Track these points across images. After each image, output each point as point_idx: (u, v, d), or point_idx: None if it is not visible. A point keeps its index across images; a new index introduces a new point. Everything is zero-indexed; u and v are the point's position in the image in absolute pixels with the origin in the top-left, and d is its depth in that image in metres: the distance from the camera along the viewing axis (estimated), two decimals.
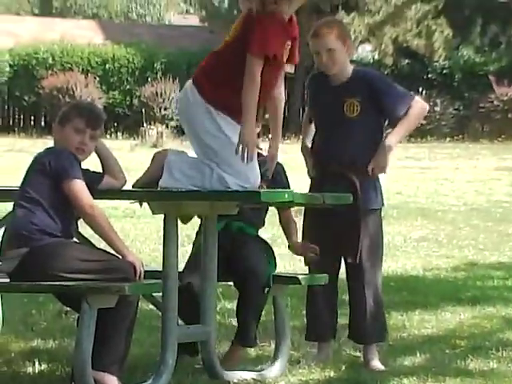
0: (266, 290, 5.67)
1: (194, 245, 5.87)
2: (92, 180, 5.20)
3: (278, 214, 5.90)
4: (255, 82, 5.05)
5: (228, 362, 5.57)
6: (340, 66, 5.81)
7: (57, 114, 5.39)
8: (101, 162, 5.34)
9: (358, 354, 6.06)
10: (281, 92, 5.43)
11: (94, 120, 5.29)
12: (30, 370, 5.55)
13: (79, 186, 5.05)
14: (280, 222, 5.93)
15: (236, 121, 5.13)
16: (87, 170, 5.22)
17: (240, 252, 5.66)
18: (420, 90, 30.57)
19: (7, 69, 29.70)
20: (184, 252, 5.44)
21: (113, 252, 5.08)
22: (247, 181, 5.13)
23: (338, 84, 5.87)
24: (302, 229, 6.01)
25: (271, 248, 5.85)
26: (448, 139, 29.83)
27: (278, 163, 5.50)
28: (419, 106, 5.93)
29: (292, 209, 5.91)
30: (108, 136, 27.58)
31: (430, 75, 31.49)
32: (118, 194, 5.44)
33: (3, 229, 5.35)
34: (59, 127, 5.31)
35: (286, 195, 5.08)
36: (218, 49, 5.31)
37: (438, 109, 30.67)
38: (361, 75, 5.98)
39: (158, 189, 5.24)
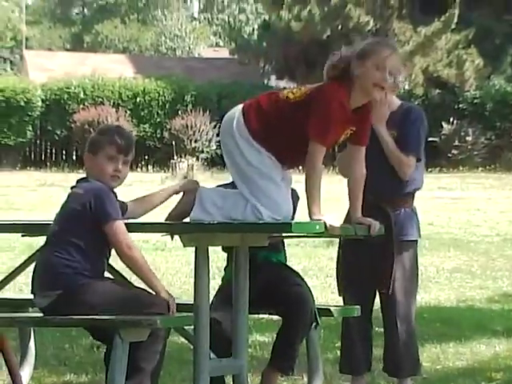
0: (314, 324, 5.66)
1: (222, 279, 5.85)
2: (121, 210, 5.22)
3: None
4: (317, 169, 5.07)
5: None
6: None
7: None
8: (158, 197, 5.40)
9: None
10: (363, 173, 5.38)
11: (126, 145, 5.26)
12: None
13: (120, 229, 5.04)
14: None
15: (277, 161, 5.19)
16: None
17: (280, 278, 5.64)
18: (451, 120, 30.60)
19: (39, 103, 29.90)
20: (215, 284, 5.42)
21: (145, 287, 5.10)
22: (280, 213, 5.13)
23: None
24: (336, 259, 6.01)
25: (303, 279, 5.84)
26: (480, 169, 29.78)
27: (293, 189, 5.46)
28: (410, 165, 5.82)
29: (323, 239, 5.89)
30: (139, 169, 27.75)
31: (460, 105, 31.44)
32: (149, 227, 5.45)
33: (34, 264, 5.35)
34: (90, 156, 5.28)
35: (318, 226, 5.06)
36: (278, 97, 5.31)
37: (469, 138, 30.63)
38: (403, 110, 5.92)
39: (190, 221, 5.25)
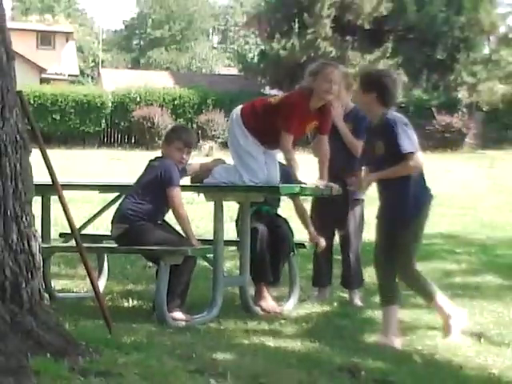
0: (292, 254, 5.66)
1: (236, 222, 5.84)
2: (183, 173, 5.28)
3: (294, 205, 5.79)
4: (288, 150, 5.15)
5: (262, 299, 5.49)
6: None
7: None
8: None
9: (345, 295, 6.04)
10: (327, 148, 5.39)
11: (190, 142, 5.29)
12: (125, 305, 5.57)
13: (177, 193, 5.06)
14: (296, 210, 5.84)
15: (262, 145, 5.26)
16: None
17: (273, 223, 5.65)
18: None
19: (110, 104, 29.80)
20: (227, 227, 5.41)
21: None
22: (257, 177, 5.18)
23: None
24: (310, 210, 5.99)
25: (288, 222, 5.84)
26: None
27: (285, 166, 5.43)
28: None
29: (301, 197, 5.86)
30: None
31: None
32: (184, 187, 5.45)
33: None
34: (165, 145, 5.29)
35: (297, 189, 5.08)
36: (265, 101, 5.37)
37: None
38: (354, 110, 5.78)
39: (204, 183, 5.32)
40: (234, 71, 42.08)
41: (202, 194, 5.41)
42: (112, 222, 5.21)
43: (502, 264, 7.80)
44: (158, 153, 5.32)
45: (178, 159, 5.19)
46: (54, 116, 28.51)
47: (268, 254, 5.54)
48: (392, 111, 4.86)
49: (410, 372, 3.92)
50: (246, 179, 5.18)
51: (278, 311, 5.41)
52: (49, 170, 4.29)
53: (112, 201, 5.70)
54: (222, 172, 5.33)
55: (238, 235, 5.58)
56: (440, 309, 4.81)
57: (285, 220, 5.79)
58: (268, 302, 5.46)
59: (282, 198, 5.90)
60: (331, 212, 5.81)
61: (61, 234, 6.08)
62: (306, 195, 5.63)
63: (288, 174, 5.30)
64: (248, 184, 5.15)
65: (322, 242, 5.75)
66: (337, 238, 6.03)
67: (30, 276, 3.46)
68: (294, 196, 5.60)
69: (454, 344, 4.66)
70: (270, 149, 5.36)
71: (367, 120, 5.80)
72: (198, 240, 5.20)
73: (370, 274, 6.99)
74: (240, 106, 5.42)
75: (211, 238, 5.29)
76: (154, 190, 5.07)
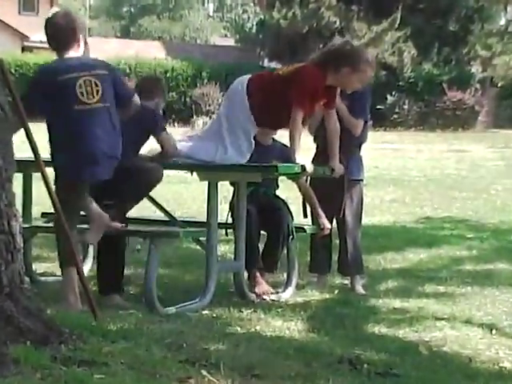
0: (290, 238, 5.65)
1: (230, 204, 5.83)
2: None
3: (298, 186, 5.80)
4: (297, 127, 5.04)
5: (256, 285, 5.50)
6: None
7: None
8: None
9: (347, 282, 6.05)
10: (336, 125, 5.38)
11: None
12: None
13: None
14: (301, 192, 5.84)
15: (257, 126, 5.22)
16: None
17: (271, 206, 5.64)
18: (393, 93, 30.49)
19: None
20: (221, 209, 5.41)
21: None
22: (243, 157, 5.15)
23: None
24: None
25: (287, 205, 5.83)
26: (413, 129, 29.74)
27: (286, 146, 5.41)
28: (358, 125, 5.71)
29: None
30: (168, 125, 27.58)
31: (400, 83, 31.30)
32: (174, 166, 5.43)
33: None
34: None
35: (296, 168, 5.06)
36: (274, 73, 5.30)
37: (405, 107, 30.59)
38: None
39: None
40: (231, 42, 41.95)
41: (194, 173, 5.38)
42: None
43: None
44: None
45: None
46: None
47: (258, 239, 5.53)
48: None
49: (415, 365, 3.93)
50: (230, 157, 5.12)
51: (273, 292, 5.41)
52: (31, 144, 4.27)
53: None
54: (198, 148, 5.22)
55: (231, 217, 5.56)
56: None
57: (283, 202, 5.79)
58: (262, 286, 5.46)
59: (281, 178, 5.89)
60: (328, 194, 5.79)
61: (43, 214, 6.06)
62: (305, 175, 5.60)
63: (288, 156, 5.28)
64: (258, 165, 5.11)
65: (328, 227, 5.74)
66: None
67: (9, 258, 3.45)
68: (296, 177, 5.57)
69: (464, 335, 4.67)
70: (263, 134, 5.32)
71: (365, 97, 5.79)
72: (191, 222, 5.16)
73: (373, 260, 7.03)
74: (247, 77, 5.32)
75: (205, 220, 5.28)
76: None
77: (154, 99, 5.33)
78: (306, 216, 5.93)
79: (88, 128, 4.57)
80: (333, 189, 5.75)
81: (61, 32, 4.71)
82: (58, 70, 4.66)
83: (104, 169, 4.62)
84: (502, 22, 34.00)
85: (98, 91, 4.61)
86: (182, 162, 5.25)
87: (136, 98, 4.85)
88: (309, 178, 5.83)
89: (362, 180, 5.95)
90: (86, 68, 4.67)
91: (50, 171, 4.48)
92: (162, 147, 5.14)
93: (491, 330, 4.80)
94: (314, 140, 5.91)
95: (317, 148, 5.91)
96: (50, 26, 4.76)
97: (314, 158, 5.78)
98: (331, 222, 5.92)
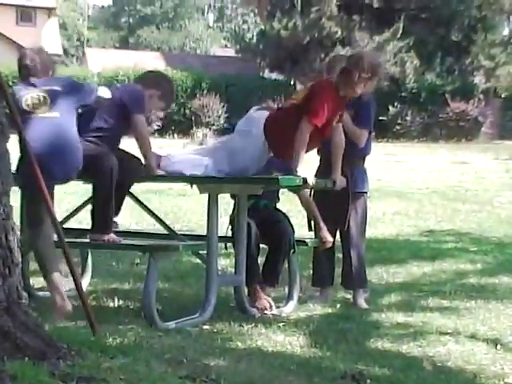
0: (292, 252, 5.65)
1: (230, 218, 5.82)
2: None
3: (300, 198, 5.80)
4: (302, 140, 5.00)
5: (257, 299, 5.49)
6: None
7: None
8: None
9: (349, 296, 6.04)
10: (341, 138, 5.37)
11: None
12: (111, 304, 5.58)
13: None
14: (302, 205, 5.85)
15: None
16: None
17: (272, 219, 5.64)
18: (395, 104, 30.52)
19: None
20: (222, 222, 5.41)
21: None
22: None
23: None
24: None
25: (288, 218, 5.83)
26: (416, 140, 29.74)
27: None
28: (363, 136, 5.74)
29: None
30: (167, 136, 27.61)
31: (403, 93, 31.34)
32: (174, 178, 5.43)
33: None
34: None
35: (297, 180, 5.06)
36: (289, 104, 5.25)
37: (408, 118, 30.59)
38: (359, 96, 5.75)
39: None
40: (231, 52, 42.02)
41: (194, 186, 5.38)
42: None
43: None
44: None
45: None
46: None
47: (258, 253, 5.53)
48: None
49: (419, 381, 3.92)
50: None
51: (274, 310, 5.41)
52: (27, 157, 4.28)
53: None
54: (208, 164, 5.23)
55: (231, 230, 5.56)
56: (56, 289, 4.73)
57: (284, 215, 5.79)
58: (263, 301, 5.45)
59: (282, 191, 5.89)
60: (331, 207, 5.79)
61: None
62: (306, 188, 5.61)
63: (289, 167, 5.28)
64: (260, 176, 5.11)
65: (330, 240, 5.75)
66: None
67: (7, 273, 3.46)
68: (297, 189, 5.57)
69: (468, 351, 4.67)
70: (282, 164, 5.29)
71: (370, 107, 5.79)
72: (190, 236, 5.15)
73: (376, 273, 7.03)
74: (264, 115, 5.30)
75: (205, 233, 5.28)
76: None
77: (149, 89, 5.29)
78: (310, 229, 5.94)
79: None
80: (336, 201, 5.75)
81: (33, 70, 5.04)
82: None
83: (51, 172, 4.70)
84: (506, 32, 34.10)
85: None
86: (182, 174, 5.25)
87: (98, 93, 5.08)
88: (312, 190, 5.84)
89: (366, 192, 5.96)
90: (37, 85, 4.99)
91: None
92: (134, 130, 5.11)
93: (496, 345, 4.79)
94: (318, 152, 5.91)
95: (320, 160, 5.92)
96: (22, 61, 5.10)
97: (317, 171, 5.79)
98: (335, 235, 5.92)
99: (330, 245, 5.79)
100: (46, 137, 4.78)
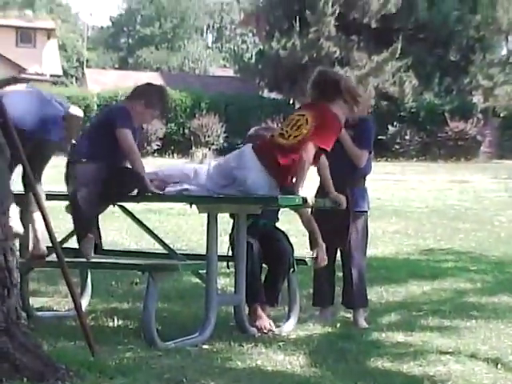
0: (291, 271, 5.64)
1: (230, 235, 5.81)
2: None
3: (300, 217, 5.79)
4: (306, 163, 5.00)
5: (257, 319, 5.45)
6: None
7: None
8: None
9: (349, 315, 6.03)
10: (324, 159, 5.33)
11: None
12: (110, 324, 5.55)
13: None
14: (303, 224, 5.84)
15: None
16: None
17: (271, 238, 5.62)
18: (394, 123, 30.60)
19: (95, 107, 29.84)
20: (221, 240, 5.41)
21: None
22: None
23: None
24: None
25: (288, 237, 5.82)
26: (414, 159, 29.80)
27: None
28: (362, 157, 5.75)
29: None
30: (167, 156, 27.67)
31: (401, 113, 31.43)
32: (174, 198, 5.43)
33: None
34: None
35: (297, 200, 5.05)
36: (275, 144, 5.15)
37: (407, 137, 30.66)
38: (359, 117, 5.77)
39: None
40: (230, 72, 42.18)
41: (194, 206, 5.38)
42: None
43: None
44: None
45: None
46: None
47: (260, 272, 5.52)
48: None
49: None
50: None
51: (274, 330, 5.39)
52: (29, 177, 4.28)
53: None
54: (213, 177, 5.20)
55: (231, 250, 5.55)
56: None
57: (284, 234, 5.78)
58: (263, 321, 5.44)
59: (281, 211, 5.89)
60: (331, 226, 5.79)
61: None
62: (307, 207, 5.60)
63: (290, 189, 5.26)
64: (259, 196, 5.08)
65: (324, 260, 5.73)
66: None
67: (6, 294, 3.45)
68: (298, 208, 5.57)
69: (469, 370, 4.65)
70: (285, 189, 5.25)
71: (370, 128, 5.80)
72: (190, 255, 5.14)
73: (375, 292, 7.01)
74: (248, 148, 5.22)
75: (204, 252, 5.27)
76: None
77: (131, 102, 5.30)
78: (312, 248, 5.93)
79: None
80: (337, 220, 5.74)
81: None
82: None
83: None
84: (504, 51, 34.25)
85: None
86: (181, 194, 5.25)
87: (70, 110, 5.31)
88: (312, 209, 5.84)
89: (366, 211, 5.95)
90: None
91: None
92: (120, 145, 5.11)
93: (497, 365, 4.77)
94: (318, 171, 5.92)
95: (320, 180, 5.92)
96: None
97: (317, 191, 5.79)
98: (335, 254, 5.92)
99: (323, 264, 5.76)
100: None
